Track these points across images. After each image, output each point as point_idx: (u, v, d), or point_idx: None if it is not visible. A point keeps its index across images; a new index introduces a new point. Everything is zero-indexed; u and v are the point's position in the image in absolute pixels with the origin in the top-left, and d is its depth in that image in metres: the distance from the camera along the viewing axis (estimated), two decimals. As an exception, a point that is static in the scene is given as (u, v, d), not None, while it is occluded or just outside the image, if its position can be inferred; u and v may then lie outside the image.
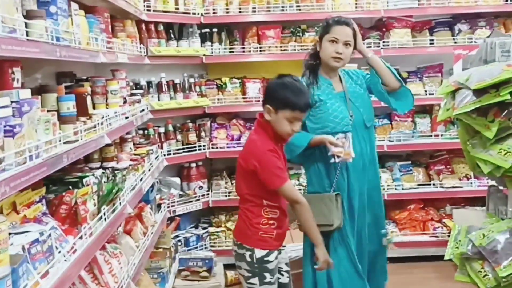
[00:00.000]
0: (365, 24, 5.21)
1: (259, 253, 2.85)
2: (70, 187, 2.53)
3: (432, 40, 4.99)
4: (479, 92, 2.51)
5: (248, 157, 2.83)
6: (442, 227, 4.91)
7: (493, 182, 3.03)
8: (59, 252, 2.07)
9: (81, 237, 2.31)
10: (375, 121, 5.05)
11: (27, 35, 1.98)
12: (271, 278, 2.88)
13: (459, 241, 2.72)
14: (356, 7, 4.91)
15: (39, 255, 1.91)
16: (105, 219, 2.60)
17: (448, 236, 3.09)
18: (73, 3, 2.59)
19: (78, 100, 2.58)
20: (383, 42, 4.94)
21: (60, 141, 2.22)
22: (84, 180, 2.61)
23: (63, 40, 2.31)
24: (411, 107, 3.46)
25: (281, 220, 2.92)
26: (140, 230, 3.47)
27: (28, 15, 2.07)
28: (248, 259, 2.86)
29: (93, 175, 2.72)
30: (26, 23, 1.99)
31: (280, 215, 2.91)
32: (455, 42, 4.95)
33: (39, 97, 2.29)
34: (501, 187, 2.93)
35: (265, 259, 2.85)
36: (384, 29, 5.06)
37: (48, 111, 2.29)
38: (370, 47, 4.88)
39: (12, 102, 1.87)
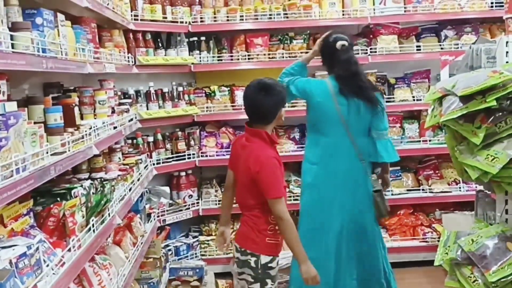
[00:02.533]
0: (352, 31, 5.24)
1: (264, 259, 2.90)
2: (58, 199, 2.51)
3: (419, 46, 5.03)
4: (465, 99, 2.52)
5: (252, 166, 2.85)
6: (431, 232, 4.93)
7: (481, 187, 3.04)
8: (47, 265, 2.05)
9: (69, 250, 2.29)
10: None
11: (12, 47, 1.97)
12: (272, 284, 2.93)
13: (449, 246, 2.73)
14: (343, 15, 4.94)
15: (27, 269, 1.89)
16: (93, 230, 2.58)
17: (438, 241, 3.10)
18: (59, 14, 2.58)
19: (66, 111, 2.57)
20: (371, 48, 4.97)
21: (47, 153, 2.21)
22: (72, 191, 2.59)
23: (49, 51, 2.30)
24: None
25: None
26: (129, 241, 3.45)
27: (14, 27, 2.06)
28: (253, 265, 2.90)
29: (81, 186, 2.70)
30: (11, 35, 1.98)
31: None
32: (442, 48, 4.99)
33: (26, 109, 2.27)
34: (489, 192, 2.94)
35: (269, 265, 2.90)
36: (371, 36, 5.09)
37: (35, 123, 2.27)
38: (358, 54, 4.91)
39: (-3, 115, 1.86)
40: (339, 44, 3.58)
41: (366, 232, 3.66)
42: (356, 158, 3.61)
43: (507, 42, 2.66)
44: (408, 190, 5.02)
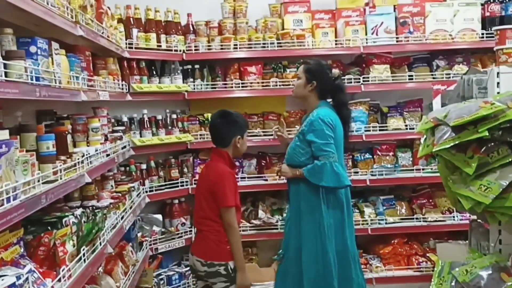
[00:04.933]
0: (345, 60, 5.30)
1: (232, 264, 3.36)
2: (49, 227, 2.49)
3: (411, 75, 5.07)
4: (457, 129, 2.53)
5: (212, 178, 3.35)
6: (426, 262, 4.90)
7: (475, 217, 3.04)
8: (36, 296, 2.02)
9: (59, 280, 2.25)
10: (357, 155, 5.12)
11: (6, 76, 1.97)
12: None
13: (443, 277, 2.71)
14: (336, 44, 4.99)
15: (16, 300, 1.86)
16: (84, 260, 2.55)
17: (433, 270, 3.09)
18: (53, 42, 2.59)
19: (58, 139, 2.56)
20: (363, 77, 5.00)
21: (39, 181, 2.19)
22: (64, 220, 2.57)
23: (43, 79, 2.31)
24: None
25: None
26: (121, 270, 3.41)
27: (8, 55, 2.06)
28: (224, 272, 3.33)
29: (72, 214, 2.68)
30: (5, 64, 1.98)
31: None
32: (434, 78, 5.04)
33: (18, 137, 2.26)
34: (482, 222, 2.94)
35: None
36: (364, 65, 5.14)
37: (27, 151, 2.26)
38: (351, 82, 4.95)
39: (-11, 143, 1.85)
40: (335, 72, 3.90)
41: None
42: None
43: (498, 73, 2.69)
44: (402, 219, 5.00)
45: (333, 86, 3.82)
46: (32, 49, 2.28)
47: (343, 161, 3.86)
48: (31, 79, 2.18)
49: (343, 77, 5.00)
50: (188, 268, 4.90)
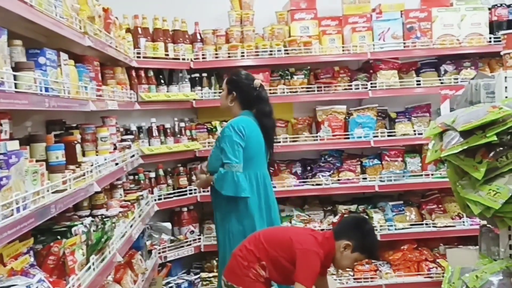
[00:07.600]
0: (352, 66, 5.30)
1: None
2: (59, 237, 2.50)
3: (419, 80, 5.06)
4: (466, 134, 2.52)
5: (297, 240, 3.04)
6: (436, 267, 4.86)
7: (485, 222, 3.02)
8: (46, 305, 2.03)
9: (69, 289, 2.26)
10: (366, 161, 5.11)
11: (15, 87, 1.99)
12: None
13: (453, 283, 2.69)
14: (343, 50, 5.00)
15: (26, 310, 1.87)
16: (94, 269, 2.56)
17: (443, 276, 3.07)
18: (62, 53, 2.62)
19: (67, 149, 2.58)
20: (371, 83, 5.00)
21: (48, 191, 2.21)
22: (73, 229, 2.59)
23: (52, 90, 2.33)
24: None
25: None
26: (130, 278, 3.42)
27: (17, 67, 2.09)
28: None
29: (82, 223, 2.69)
30: (14, 75, 2.00)
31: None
32: (442, 83, 5.03)
33: (28, 147, 2.28)
34: (492, 227, 2.92)
35: None
36: (371, 71, 5.14)
37: (36, 161, 2.28)
38: (358, 89, 4.96)
39: (-1, 154, 1.87)
40: (257, 82, 3.87)
41: None
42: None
43: (505, 78, 2.68)
44: (411, 224, 4.97)
45: (254, 97, 3.84)
46: (41, 60, 2.30)
47: (265, 170, 3.86)
48: (41, 90, 2.20)
49: (350, 83, 5.03)
50: (197, 276, 4.91)
